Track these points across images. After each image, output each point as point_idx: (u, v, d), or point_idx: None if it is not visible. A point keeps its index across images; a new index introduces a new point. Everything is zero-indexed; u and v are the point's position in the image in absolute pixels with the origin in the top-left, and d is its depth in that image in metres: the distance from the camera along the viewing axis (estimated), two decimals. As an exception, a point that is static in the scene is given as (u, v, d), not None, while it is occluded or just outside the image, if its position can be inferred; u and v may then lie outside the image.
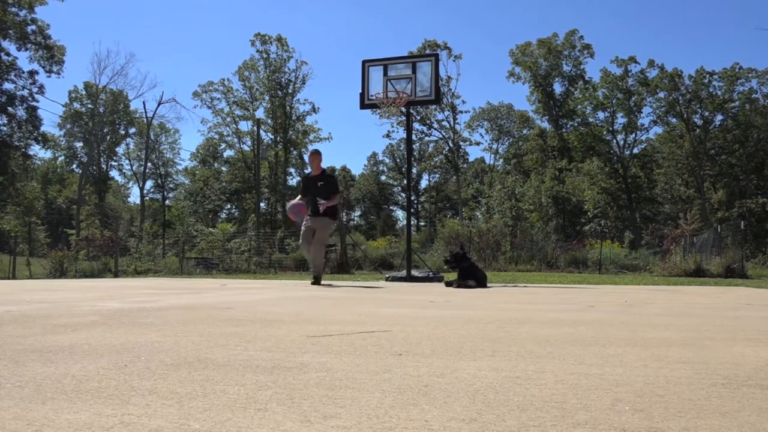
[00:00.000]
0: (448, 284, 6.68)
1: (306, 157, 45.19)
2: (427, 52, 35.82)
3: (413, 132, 25.84)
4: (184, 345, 1.83)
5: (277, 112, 40.53)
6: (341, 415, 1.02)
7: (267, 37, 40.30)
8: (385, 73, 8.98)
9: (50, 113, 64.82)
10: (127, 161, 51.04)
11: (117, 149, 48.68)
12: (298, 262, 16.57)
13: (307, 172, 7.43)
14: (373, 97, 8.96)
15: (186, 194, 50.31)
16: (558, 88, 43.32)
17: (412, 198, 51.12)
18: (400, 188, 64.06)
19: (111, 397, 1.15)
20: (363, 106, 9.17)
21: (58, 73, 35.18)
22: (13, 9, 32.57)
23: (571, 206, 41.41)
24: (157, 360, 1.56)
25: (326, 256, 7.67)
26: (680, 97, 38.64)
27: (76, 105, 44.43)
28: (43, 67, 34.64)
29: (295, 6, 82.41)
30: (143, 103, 55.93)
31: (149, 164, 47.93)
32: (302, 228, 7.17)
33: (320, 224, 7.01)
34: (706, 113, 38.78)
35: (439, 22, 79.21)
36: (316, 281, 6.93)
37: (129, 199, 57.91)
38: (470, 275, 6.44)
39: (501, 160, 56.06)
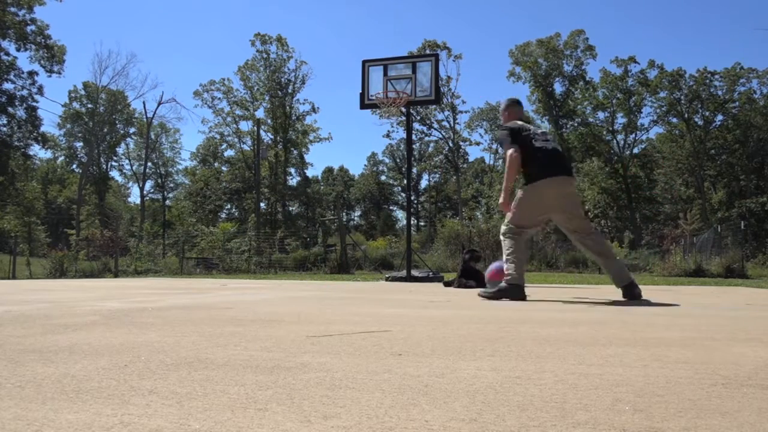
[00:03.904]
0: (448, 284, 6.69)
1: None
2: (427, 52, 35.84)
3: (413, 132, 25.89)
4: (184, 345, 1.83)
5: (277, 112, 40.54)
6: (341, 415, 1.02)
7: (267, 37, 40.33)
8: (385, 73, 8.99)
9: (50, 113, 64.88)
10: (127, 161, 51.07)
11: (117, 149, 48.71)
12: (298, 263, 16.58)
13: None
14: (373, 97, 8.98)
15: (186, 194, 50.30)
16: (558, 88, 43.34)
17: (412, 198, 51.12)
18: (400, 188, 64.08)
19: (111, 397, 1.15)
20: (363, 106, 9.18)
21: (59, 73, 35.21)
22: (13, 9, 32.57)
23: (571, 206, 41.33)
24: (157, 360, 1.56)
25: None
26: (682, 97, 38.64)
27: (76, 105, 44.44)
28: (44, 67, 34.67)
29: (295, 6, 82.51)
30: (143, 103, 56.01)
31: (149, 164, 47.94)
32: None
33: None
34: (707, 113, 38.78)
35: (439, 22, 79.31)
36: (632, 290, 4.05)
37: (129, 199, 57.95)
38: (470, 275, 6.45)
39: (501, 161, 56.06)
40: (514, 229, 4.20)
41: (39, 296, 4.52)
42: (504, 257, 4.24)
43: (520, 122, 4.42)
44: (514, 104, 4.64)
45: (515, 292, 4.08)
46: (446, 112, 42.26)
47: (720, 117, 39.01)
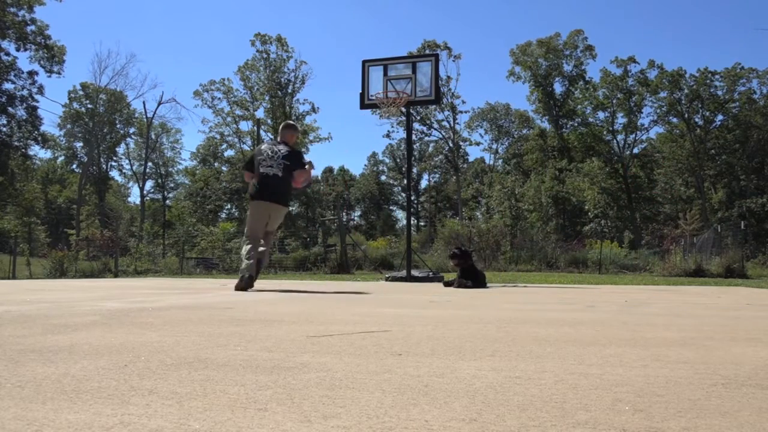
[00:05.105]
0: (448, 284, 6.68)
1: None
2: (427, 52, 35.85)
3: (413, 132, 25.86)
4: (184, 345, 1.83)
5: (277, 112, 40.54)
6: (341, 415, 1.02)
7: (267, 37, 40.34)
8: (385, 73, 8.98)
9: (50, 113, 64.89)
10: (127, 161, 51.08)
11: (117, 149, 48.71)
12: (298, 262, 16.59)
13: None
14: (373, 97, 8.97)
15: (186, 194, 50.30)
16: (558, 87, 43.36)
17: (412, 198, 51.09)
18: (400, 188, 64.08)
19: (111, 397, 1.15)
20: (363, 106, 9.17)
21: (59, 73, 35.24)
22: (13, 9, 32.59)
23: (571, 206, 41.41)
24: (157, 360, 1.56)
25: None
26: (682, 97, 38.64)
27: (76, 105, 44.43)
28: (44, 68, 34.71)
29: (295, 6, 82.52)
30: (143, 103, 56.07)
31: (149, 164, 47.94)
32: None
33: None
34: (707, 113, 38.80)
35: (439, 22, 79.30)
36: (251, 282, 5.40)
37: (129, 199, 57.97)
38: (470, 275, 6.44)
39: (500, 161, 56.11)
40: (247, 235, 5.67)
41: (39, 296, 4.52)
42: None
43: (264, 145, 5.79)
44: (283, 128, 6.01)
45: (247, 283, 5.32)
46: (446, 112, 42.30)
47: (720, 117, 39.05)
